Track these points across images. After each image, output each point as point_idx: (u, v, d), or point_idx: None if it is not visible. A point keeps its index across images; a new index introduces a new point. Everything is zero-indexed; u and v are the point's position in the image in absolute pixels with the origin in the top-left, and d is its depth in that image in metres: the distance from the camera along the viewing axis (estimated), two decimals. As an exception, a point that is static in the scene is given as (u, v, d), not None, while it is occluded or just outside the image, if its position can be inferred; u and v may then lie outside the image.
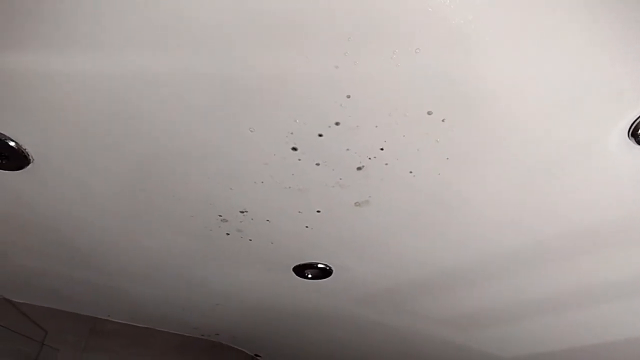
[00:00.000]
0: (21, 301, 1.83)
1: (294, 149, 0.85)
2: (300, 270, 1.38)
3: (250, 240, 1.22)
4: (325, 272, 1.38)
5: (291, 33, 0.63)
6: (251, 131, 0.82)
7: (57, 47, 0.69)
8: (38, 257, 1.44)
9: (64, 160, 0.94)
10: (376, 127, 0.78)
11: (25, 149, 0.90)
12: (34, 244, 1.35)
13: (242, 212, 1.08)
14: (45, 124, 0.84)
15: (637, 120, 0.75)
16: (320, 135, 0.81)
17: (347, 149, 0.84)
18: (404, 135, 0.80)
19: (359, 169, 0.89)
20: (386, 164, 0.87)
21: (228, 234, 1.20)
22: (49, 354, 1.79)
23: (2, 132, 0.86)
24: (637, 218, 0.94)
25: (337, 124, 0.78)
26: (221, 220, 1.13)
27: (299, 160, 0.88)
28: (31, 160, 0.93)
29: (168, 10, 0.62)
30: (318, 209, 1.04)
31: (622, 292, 1.22)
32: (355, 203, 1.00)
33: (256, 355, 2.54)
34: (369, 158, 0.86)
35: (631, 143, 0.78)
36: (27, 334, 1.74)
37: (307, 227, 1.12)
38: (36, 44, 0.68)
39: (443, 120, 0.77)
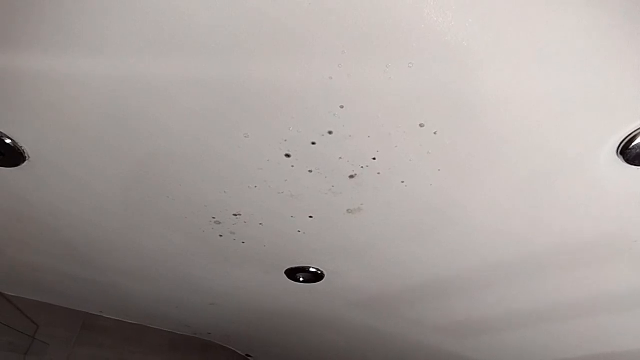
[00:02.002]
0: (13, 294, 1.83)
1: (288, 155, 0.86)
2: (293, 273, 1.39)
3: (243, 242, 1.23)
4: (317, 276, 1.38)
5: (288, 43, 0.64)
6: (246, 137, 0.83)
7: (57, 47, 0.69)
8: (32, 252, 1.44)
9: (60, 158, 0.94)
10: (369, 137, 0.79)
11: (21, 147, 0.91)
12: (29, 240, 1.35)
13: (235, 215, 1.09)
14: (43, 122, 0.85)
15: (627, 139, 0.76)
16: (313, 144, 0.82)
17: (340, 158, 0.85)
18: (396, 146, 0.81)
19: (351, 177, 0.90)
20: (378, 173, 0.88)
21: (221, 235, 1.20)
22: (40, 348, 1.80)
23: (-2, 129, 0.87)
24: (626, 234, 0.95)
25: (330, 132, 0.79)
26: (214, 222, 1.14)
27: (292, 166, 0.89)
28: (27, 158, 0.94)
29: (168, 15, 0.62)
30: (310, 215, 1.05)
31: (611, 306, 1.23)
32: (347, 210, 1.01)
33: (247, 355, 2.55)
34: (362, 167, 0.87)
35: (620, 160, 0.79)
36: (19, 327, 1.75)
37: (299, 231, 1.13)
38: (36, 44, 0.69)
39: (435, 133, 0.78)
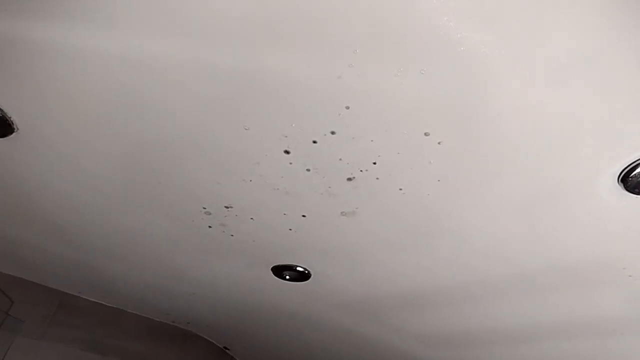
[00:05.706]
0: (-10, 267, 1.78)
1: (287, 152, 0.84)
2: (279, 270, 1.37)
3: (232, 235, 1.21)
4: (304, 276, 1.37)
5: (301, 35, 0.62)
6: (246, 129, 0.81)
7: (66, 18, 0.66)
8: (13, 226, 1.40)
9: (52, 134, 0.91)
10: (372, 141, 0.78)
11: (10, 117, 0.87)
12: (11, 213, 1.31)
13: (227, 207, 1.07)
14: (37, 95, 0.81)
15: (628, 167, 0.75)
16: (314, 142, 0.80)
17: (340, 159, 0.83)
18: (398, 153, 0.79)
19: (349, 179, 0.89)
20: (377, 178, 0.87)
21: (210, 226, 1.18)
22: (14, 324, 1.75)
23: (-12, 96, 0.83)
24: (617, 260, 0.95)
25: (332, 133, 0.77)
26: (205, 213, 1.11)
27: (290, 163, 0.87)
28: (15, 129, 0.90)
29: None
30: (304, 214, 1.03)
31: (598, 330, 1.23)
32: (341, 212, 1.00)
33: (225, 348, 2.53)
34: (361, 170, 0.85)
35: (620, 188, 0.79)
36: (-7, 301, 1.70)
37: (290, 229, 1.11)
38: (42, 12, 0.66)
39: (439, 143, 0.76)
